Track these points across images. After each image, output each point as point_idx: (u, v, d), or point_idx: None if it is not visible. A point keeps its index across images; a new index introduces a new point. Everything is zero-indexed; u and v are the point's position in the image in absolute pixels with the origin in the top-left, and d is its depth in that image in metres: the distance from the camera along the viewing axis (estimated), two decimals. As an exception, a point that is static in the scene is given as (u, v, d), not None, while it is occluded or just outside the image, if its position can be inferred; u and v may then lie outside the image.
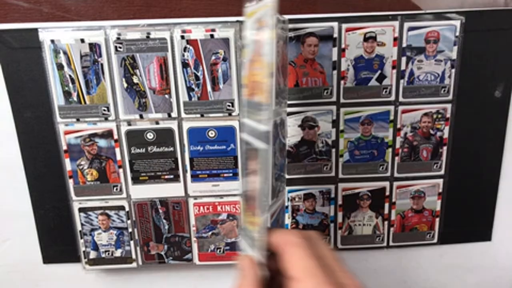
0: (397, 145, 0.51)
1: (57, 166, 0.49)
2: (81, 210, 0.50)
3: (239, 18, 0.46)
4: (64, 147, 0.48)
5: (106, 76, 0.47)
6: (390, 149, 0.51)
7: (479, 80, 0.50)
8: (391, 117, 0.50)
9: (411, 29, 0.47)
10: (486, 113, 0.51)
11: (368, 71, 0.49)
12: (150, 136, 0.48)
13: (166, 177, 0.49)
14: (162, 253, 0.52)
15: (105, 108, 0.47)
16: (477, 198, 0.54)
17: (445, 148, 0.52)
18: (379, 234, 0.54)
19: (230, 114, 0.47)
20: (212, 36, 0.45)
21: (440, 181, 0.53)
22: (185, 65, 0.46)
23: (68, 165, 0.49)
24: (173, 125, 0.47)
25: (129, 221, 0.51)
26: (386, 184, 0.53)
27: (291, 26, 0.47)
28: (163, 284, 0.56)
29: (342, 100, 0.49)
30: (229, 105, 0.47)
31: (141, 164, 0.49)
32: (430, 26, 0.47)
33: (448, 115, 0.50)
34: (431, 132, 0.51)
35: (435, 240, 0.55)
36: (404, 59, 0.49)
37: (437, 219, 0.54)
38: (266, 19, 0.32)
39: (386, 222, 0.54)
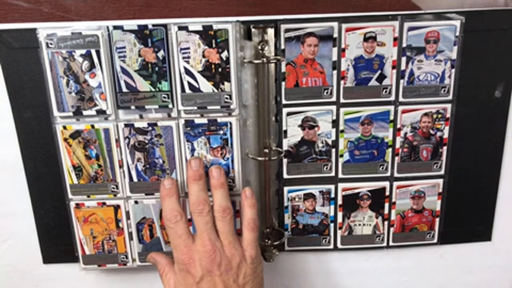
0: (397, 145, 0.51)
1: (57, 166, 0.49)
2: (81, 210, 0.51)
3: (239, 18, 0.46)
4: (64, 147, 0.49)
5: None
6: (390, 149, 0.51)
7: (479, 80, 0.50)
8: (391, 117, 0.50)
9: (411, 29, 0.47)
10: (486, 113, 0.51)
11: (368, 71, 0.49)
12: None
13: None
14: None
15: (105, 108, 0.48)
16: (477, 198, 0.54)
17: (445, 148, 0.52)
18: (379, 234, 0.54)
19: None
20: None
21: (440, 181, 0.53)
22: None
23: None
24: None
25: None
26: (386, 184, 0.53)
27: (291, 26, 0.47)
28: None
29: (342, 100, 0.49)
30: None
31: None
32: (430, 26, 0.47)
33: (448, 115, 0.50)
34: (431, 132, 0.51)
35: (435, 240, 0.55)
36: (404, 59, 0.49)
37: (437, 219, 0.54)
38: None
39: (386, 222, 0.54)
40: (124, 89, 0.46)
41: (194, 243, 0.44)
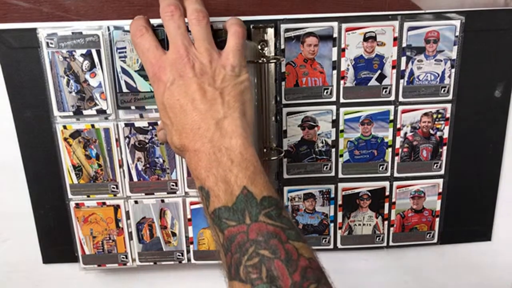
0: (397, 145, 0.51)
1: (57, 166, 0.49)
2: (81, 210, 0.51)
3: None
4: (64, 147, 0.49)
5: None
6: (390, 149, 0.51)
7: (479, 80, 0.50)
8: (391, 117, 0.50)
9: (411, 29, 0.47)
10: (486, 113, 0.51)
11: (368, 71, 0.49)
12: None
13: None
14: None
15: (105, 108, 0.48)
16: (477, 198, 0.54)
17: (445, 148, 0.52)
18: (379, 234, 0.54)
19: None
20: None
21: (440, 181, 0.53)
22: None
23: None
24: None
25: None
26: (386, 184, 0.53)
27: (291, 26, 0.47)
28: (162, 284, 0.56)
29: (342, 100, 0.49)
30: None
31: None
32: (430, 26, 0.47)
33: (448, 115, 0.50)
34: (431, 132, 0.51)
35: (435, 240, 0.55)
36: (404, 59, 0.49)
37: (437, 219, 0.54)
38: None
39: (386, 222, 0.54)
40: (124, 89, 0.46)
41: (165, 53, 0.40)
